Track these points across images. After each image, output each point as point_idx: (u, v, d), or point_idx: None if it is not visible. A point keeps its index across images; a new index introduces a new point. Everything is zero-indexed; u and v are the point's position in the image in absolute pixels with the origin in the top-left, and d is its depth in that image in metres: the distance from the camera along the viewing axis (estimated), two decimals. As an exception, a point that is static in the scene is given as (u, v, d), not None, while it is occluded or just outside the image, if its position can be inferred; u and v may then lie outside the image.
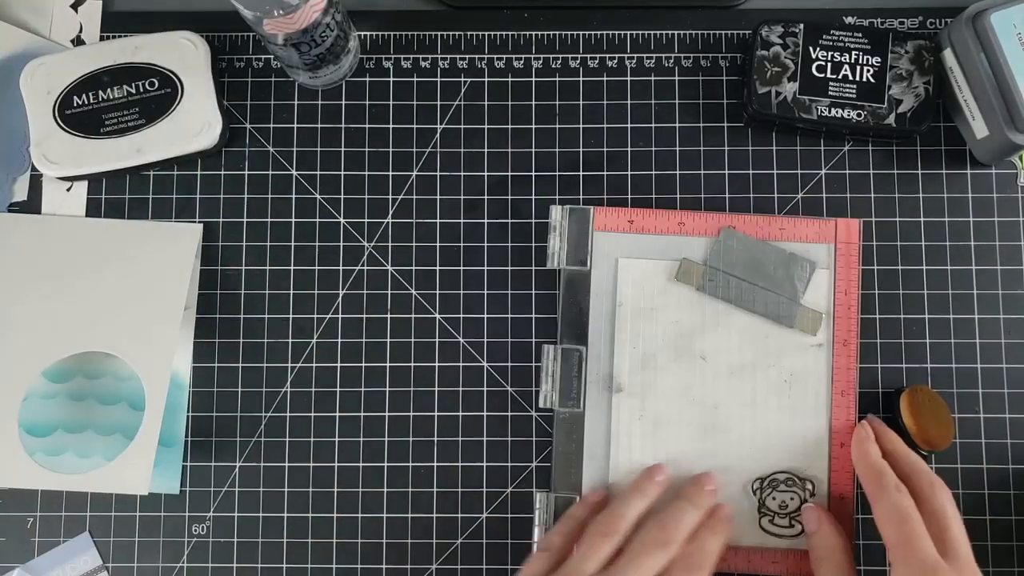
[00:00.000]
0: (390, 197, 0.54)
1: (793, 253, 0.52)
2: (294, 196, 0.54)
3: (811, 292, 0.52)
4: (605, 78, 0.55)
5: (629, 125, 0.55)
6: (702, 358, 0.52)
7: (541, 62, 0.55)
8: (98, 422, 0.52)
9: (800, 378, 0.52)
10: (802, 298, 0.52)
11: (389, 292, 0.54)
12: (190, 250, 0.53)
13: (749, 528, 0.51)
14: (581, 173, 0.54)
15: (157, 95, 0.53)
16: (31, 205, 0.54)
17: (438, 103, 0.55)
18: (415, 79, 0.55)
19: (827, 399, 0.52)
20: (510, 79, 0.55)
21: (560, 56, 0.55)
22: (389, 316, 0.53)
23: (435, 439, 0.53)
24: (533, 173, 0.55)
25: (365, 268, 0.54)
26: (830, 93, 0.52)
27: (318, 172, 0.55)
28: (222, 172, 0.55)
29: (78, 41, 0.56)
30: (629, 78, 0.55)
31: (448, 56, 0.56)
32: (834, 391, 0.52)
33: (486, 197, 0.54)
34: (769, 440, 0.51)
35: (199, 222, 0.54)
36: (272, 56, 0.55)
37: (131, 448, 0.51)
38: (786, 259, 0.52)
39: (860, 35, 0.53)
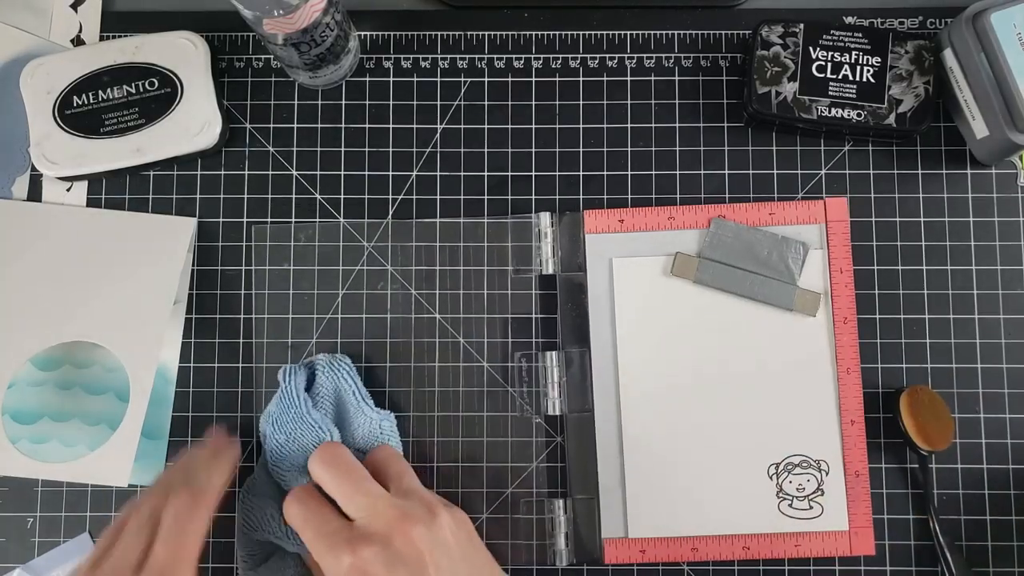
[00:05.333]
0: (390, 197, 0.54)
1: (785, 236, 0.52)
2: (294, 196, 0.54)
3: (807, 273, 0.52)
4: (605, 78, 0.55)
5: (629, 125, 0.55)
6: (705, 350, 0.52)
7: (541, 62, 0.55)
8: (84, 412, 0.52)
9: (804, 360, 0.52)
10: (799, 280, 0.52)
11: (389, 292, 0.54)
12: (183, 243, 0.53)
13: (769, 514, 0.51)
14: (581, 173, 0.54)
15: (157, 95, 0.53)
16: (31, 205, 0.55)
17: (438, 103, 0.55)
18: (415, 79, 0.55)
19: (833, 378, 0.52)
20: (510, 79, 0.55)
21: (560, 56, 0.55)
22: (389, 316, 0.53)
23: (435, 439, 0.52)
24: (533, 173, 0.54)
25: (365, 268, 0.54)
26: (830, 93, 0.52)
27: (318, 172, 0.55)
28: (222, 172, 0.55)
29: (78, 41, 0.55)
30: (629, 78, 0.55)
31: (448, 56, 0.55)
32: (839, 369, 0.52)
33: (486, 197, 0.54)
34: (780, 425, 0.51)
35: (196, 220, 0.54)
36: (272, 56, 0.55)
37: (113, 439, 0.51)
38: (779, 243, 0.52)
39: (860, 35, 0.53)
